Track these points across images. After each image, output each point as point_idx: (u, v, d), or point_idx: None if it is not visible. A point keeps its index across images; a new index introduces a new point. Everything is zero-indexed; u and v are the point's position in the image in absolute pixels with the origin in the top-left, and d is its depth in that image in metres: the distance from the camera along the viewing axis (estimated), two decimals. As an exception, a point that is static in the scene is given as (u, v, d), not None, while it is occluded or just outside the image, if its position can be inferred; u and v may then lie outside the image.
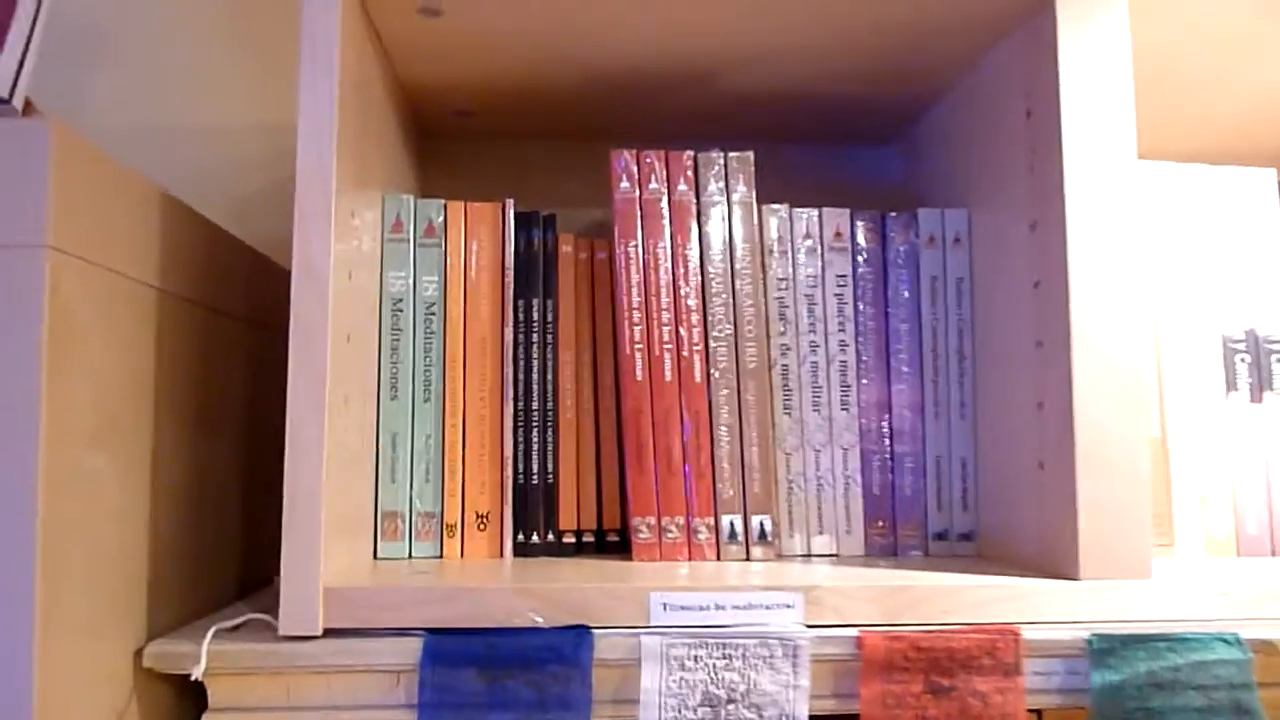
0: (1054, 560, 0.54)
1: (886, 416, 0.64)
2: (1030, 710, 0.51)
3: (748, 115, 0.73)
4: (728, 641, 0.49)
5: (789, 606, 0.50)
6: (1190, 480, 0.63)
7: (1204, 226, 0.65)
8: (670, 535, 0.59)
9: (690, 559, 0.59)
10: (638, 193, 0.61)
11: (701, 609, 0.49)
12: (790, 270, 0.64)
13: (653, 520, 0.59)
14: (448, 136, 0.79)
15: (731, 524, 0.60)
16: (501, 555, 0.61)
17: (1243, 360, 0.64)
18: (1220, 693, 0.50)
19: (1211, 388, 0.63)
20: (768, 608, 0.50)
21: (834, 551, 0.63)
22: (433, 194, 0.77)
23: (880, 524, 0.63)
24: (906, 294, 0.64)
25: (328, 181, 0.50)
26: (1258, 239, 0.65)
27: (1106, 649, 0.50)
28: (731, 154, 0.62)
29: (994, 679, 0.50)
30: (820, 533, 0.63)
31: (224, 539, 0.62)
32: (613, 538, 0.63)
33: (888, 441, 0.64)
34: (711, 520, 0.60)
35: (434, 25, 0.59)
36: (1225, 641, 0.51)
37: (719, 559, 0.60)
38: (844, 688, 0.50)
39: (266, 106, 0.81)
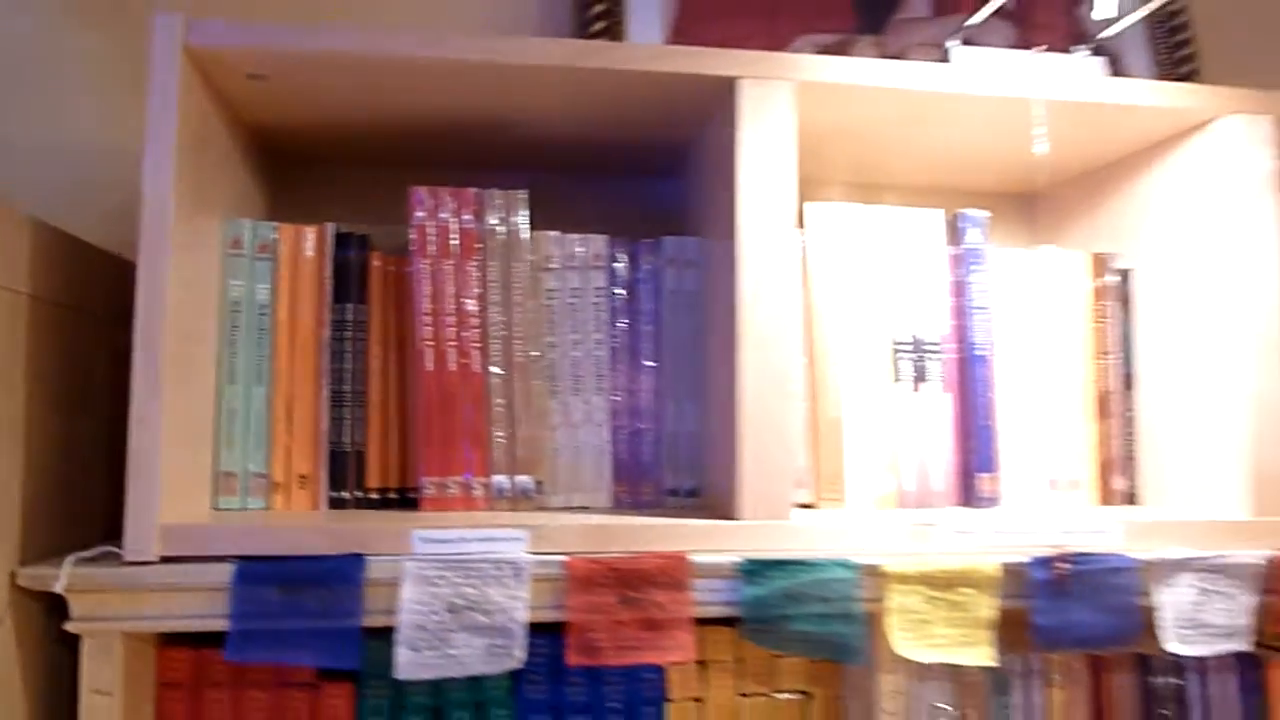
0: (724, 506, 0.72)
1: (633, 400, 0.81)
2: (703, 618, 0.69)
3: (537, 153, 0.90)
4: (468, 565, 0.66)
5: (518, 540, 0.67)
6: (860, 450, 0.81)
7: (885, 254, 0.84)
8: (450, 491, 0.76)
9: (467, 510, 0.76)
10: (431, 220, 0.77)
11: (450, 542, 0.66)
12: (559, 284, 0.81)
13: (438, 480, 0.76)
14: (299, 165, 0.94)
15: (501, 483, 0.77)
16: (318, 508, 0.77)
17: (906, 359, 0.82)
18: (836, 602, 0.68)
19: (881, 379, 0.82)
20: (501, 541, 0.67)
21: (587, 505, 0.80)
22: (287, 212, 0.92)
23: (625, 484, 0.81)
24: (651, 304, 0.82)
25: (166, 211, 0.65)
26: (925, 264, 0.84)
27: (753, 570, 0.68)
28: (509, 191, 0.78)
29: (670, 592, 0.67)
30: (577, 490, 0.80)
31: (91, 497, 0.77)
32: (412, 495, 0.79)
33: (634, 419, 0.81)
34: (485, 479, 0.76)
35: (263, 85, 0.74)
36: (841, 565, 0.69)
37: (490, 510, 0.76)
38: (559, 600, 0.67)
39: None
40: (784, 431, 0.70)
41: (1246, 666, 0.95)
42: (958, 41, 0.78)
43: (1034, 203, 1.05)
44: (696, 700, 0.77)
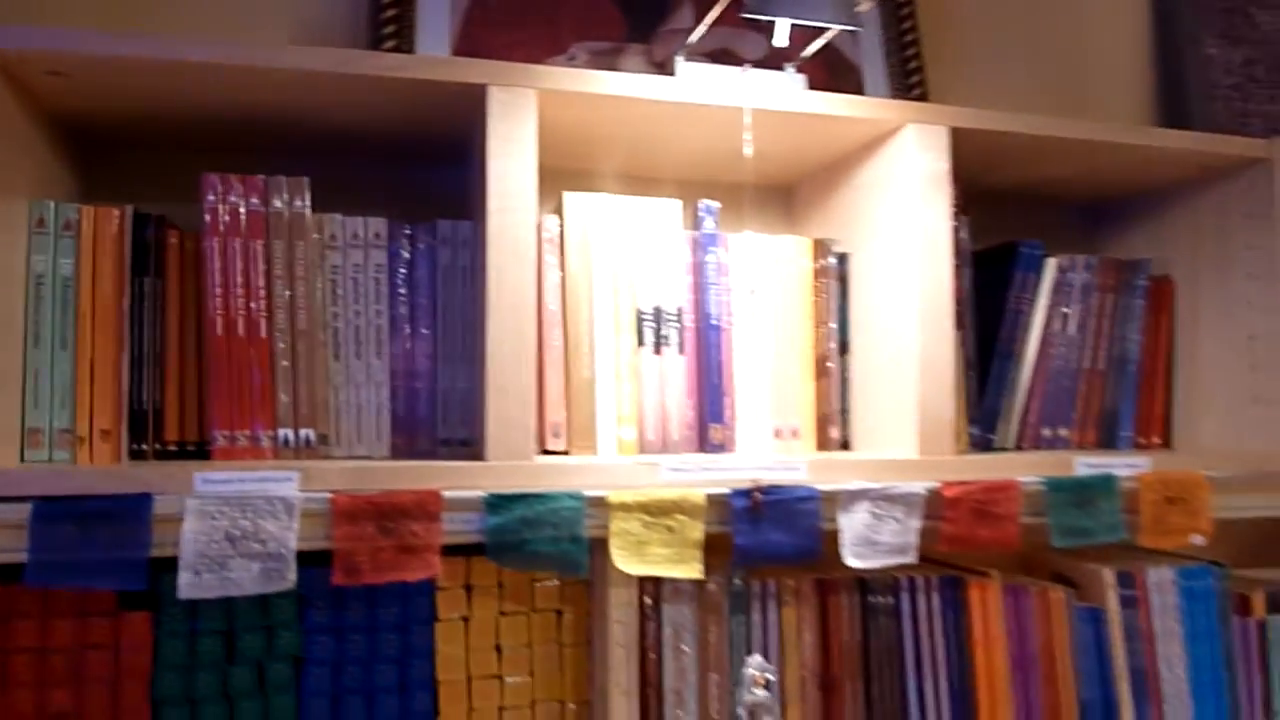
0: (479, 449, 0.85)
1: (410, 363, 0.93)
2: (454, 546, 0.81)
3: (329, 143, 1.00)
4: (244, 502, 0.77)
5: (289, 480, 0.78)
6: (609, 405, 0.95)
7: (633, 237, 0.97)
8: (240, 443, 0.87)
9: (255, 460, 0.87)
10: (222, 203, 0.87)
11: (228, 483, 0.77)
12: (342, 260, 0.92)
13: (227, 433, 0.86)
14: (105, 150, 1.02)
15: (286, 435, 0.88)
16: (120, 460, 0.86)
17: (649, 327, 0.96)
18: (565, 527, 0.82)
19: (628, 344, 0.96)
20: (274, 481, 0.78)
21: (369, 455, 0.92)
22: (98, 193, 1.00)
23: (403, 436, 0.93)
24: (427, 279, 0.93)
25: (-35, 196, 0.74)
26: (665, 246, 0.98)
27: (495, 503, 0.81)
28: (294, 178, 0.89)
29: (423, 523, 0.80)
30: (359, 442, 0.92)
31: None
32: (206, 447, 0.90)
33: (410, 380, 0.93)
34: (272, 432, 0.87)
35: (63, 81, 0.83)
36: (571, 496, 0.82)
37: (276, 458, 0.87)
38: (328, 531, 0.79)
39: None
40: (524, 387, 0.83)
41: (949, 586, 1.13)
42: (683, 56, 0.91)
43: (791, 195, 1.21)
44: (464, 619, 0.90)
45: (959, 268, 1.05)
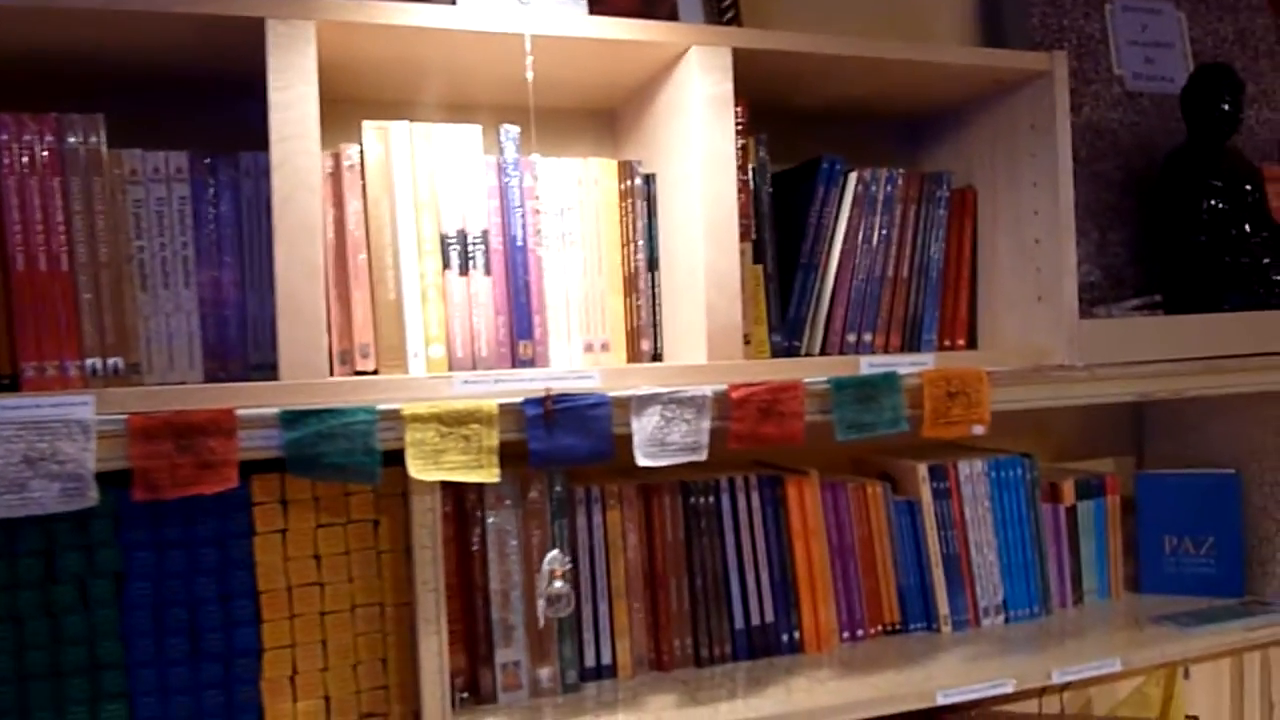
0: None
1: (218, 292, 0.97)
2: (269, 463, 0.86)
3: (133, 79, 1.02)
4: (40, 425, 0.81)
5: (86, 404, 0.82)
6: (416, 326, 1.00)
7: (436, 163, 1.01)
8: (49, 374, 0.90)
9: (65, 389, 0.90)
10: (15, 142, 0.89)
11: (23, 408, 0.81)
12: (145, 194, 0.95)
13: (36, 364, 0.90)
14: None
15: (94, 364, 0.91)
16: (-69, 393, 0.89)
17: (454, 249, 1.01)
18: (359, 439, 0.87)
19: (433, 267, 1.00)
20: (70, 405, 0.82)
21: (183, 381, 0.96)
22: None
23: (215, 362, 0.97)
24: (231, 210, 0.97)
25: None
26: (468, 171, 1.02)
27: (290, 419, 0.86)
28: (89, 115, 0.91)
29: (219, 439, 0.84)
30: (172, 370, 0.96)
31: None
32: (17, 378, 0.93)
33: (219, 308, 0.97)
34: (79, 362, 0.91)
35: None
36: (365, 410, 0.88)
37: (87, 387, 0.91)
38: (127, 451, 0.83)
39: None
40: (315, 309, 0.88)
41: (769, 485, 1.21)
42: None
43: (614, 119, 1.25)
44: (281, 531, 0.96)
45: (755, 185, 1.11)
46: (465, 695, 1.06)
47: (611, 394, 0.95)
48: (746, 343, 1.06)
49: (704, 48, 0.99)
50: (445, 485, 0.94)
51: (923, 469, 1.27)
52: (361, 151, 0.99)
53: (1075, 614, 1.35)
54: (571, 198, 1.07)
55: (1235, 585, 1.39)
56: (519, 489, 1.08)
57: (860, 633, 1.26)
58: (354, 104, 1.10)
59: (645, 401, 0.96)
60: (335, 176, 0.98)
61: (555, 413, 0.93)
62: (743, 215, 1.05)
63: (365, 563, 0.98)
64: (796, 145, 1.24)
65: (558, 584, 0.95)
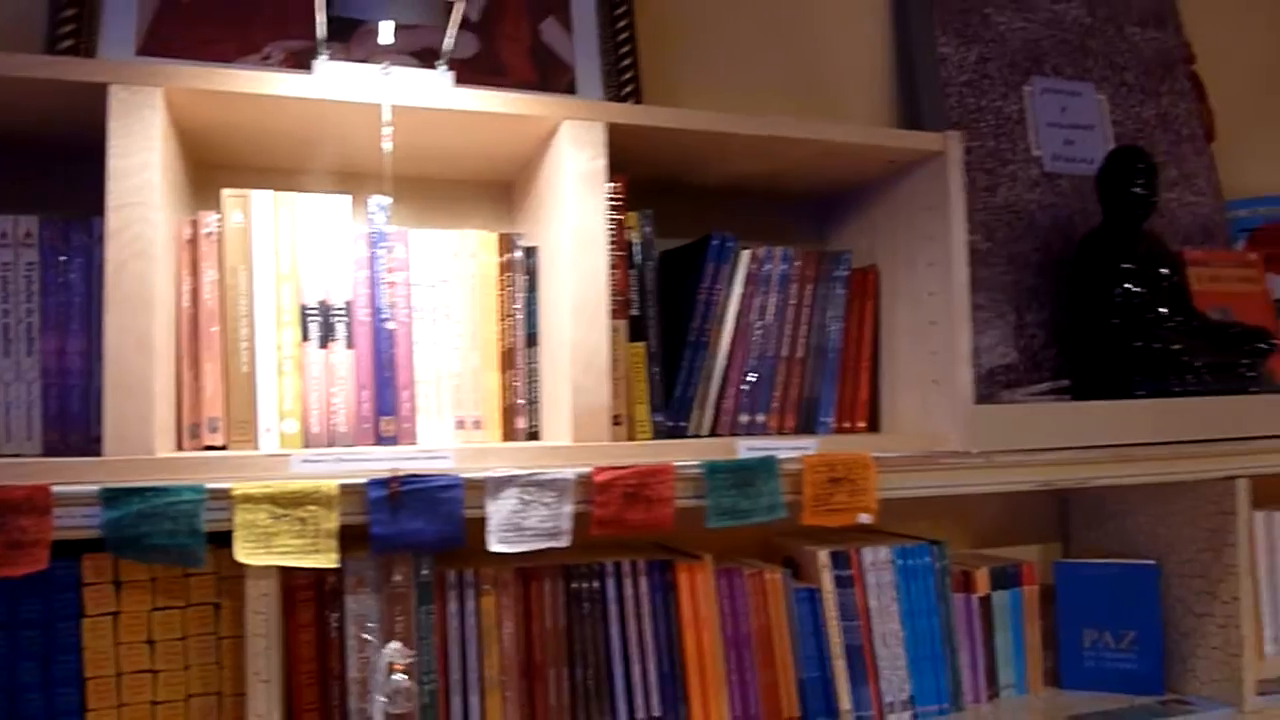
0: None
1: (63, 361, 0.93)
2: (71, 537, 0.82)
3: None
4: None
5: (-113, 478, 0.78)
6: (269, 400, 0.96)
7: (302, 230, 0.98)
8: None
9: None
10: None
11: None
12: (-11, 259, 0.92)
13: None
14: None
15: (-81, 434, 0.87)
16: None
17: (315, 321, 0.98)
18: (184, 520, 0.83)
19: (291, 339, 0.97)
20: None
21: (19, 453, 0.92)
22: None
23: (56, 433, 0.93)
24: (80, 277, 0.94)
25: None
26: (333, 241, 0.99)
27: (110, 497, 0.82)
28: (-69, 177, 0.89)
29: (32, 518, 0.80)
30: (9, 440, 0.92)
31: None
32: None
33: (63, 378, 0.93)
34: (-97, 432, 0.87)
35: None
36: (191, 489, 0.83)
37: (-91, 458, 0.87)
38: (-70, 529, 0.79)
39: None
40: (145, 383, 0.84)
41: (658, 569, 1.16)
42: (326, 56, 0.93)
43: (510, 191, 1.23)
44: (113, 614, 0.91)
45: (640, 262, 1.09)
46: (317, 792, 1.00)
47: (466, 475, 0.90)
48: (618, 423, 1.03)
49: (576, 123, 0.97)
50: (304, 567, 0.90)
51: (824, 555, 1.22)
52: (221, 220, 0.96)
53: (989, 710, 1.29)
54: (447, 270, 1.04)
55: (1156, 682, 1.33)
56: (381, 573, 1.03)
57: (756, 728, 1.20)
58: (230, 169, 1.08)
59: (501, 484, 0.92)
60: (193, 244, 0.96)
61: (402, 494, 0.88)
62: (618, 292, 1.03)
63: (203, 649, 0.92)
64: (703, 221, 1.22)
65: (397, 677, 0.90)
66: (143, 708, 0.90)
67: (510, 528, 0.92)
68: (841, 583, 1.24)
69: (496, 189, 1.22)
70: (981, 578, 1.33)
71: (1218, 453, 1.24)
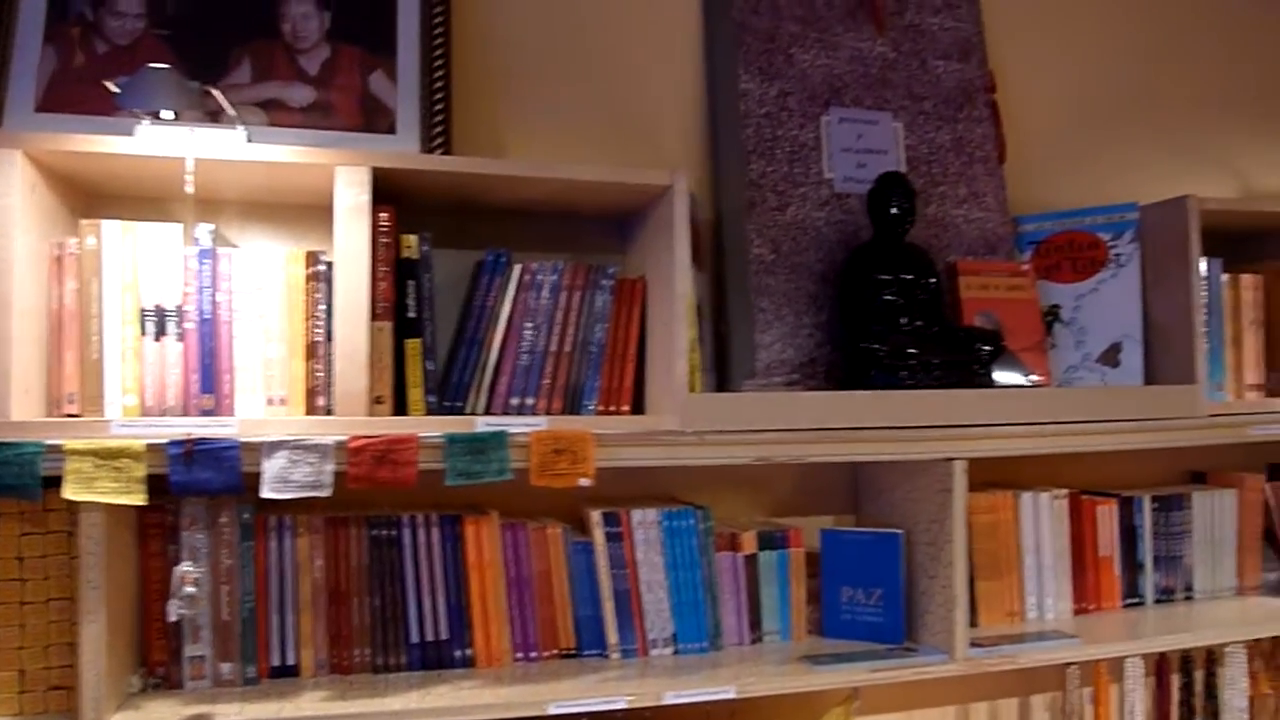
0: (-23, 412, 1.17)
1: (-38, 348, 1.25)
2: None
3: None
4: None
5: None
6: (115, 380, 1.26)
7: (143, 251, 1.29)
8: None
9: None
10: None
11: None
12: (-91, 272, 1.24)
13: None
14: None
15: None
16: None
17: (151, 320, 1.28)
18: (26, 467, 1.14)
19: (133, 334, 1.27)
20: None
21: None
22: None
23: (-43, 402, 1.25)
24: (-23, 285, 1.25)
25: None
26: (169, 257, 1.29)
27: (-28, 448, 1.13)
28: None
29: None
30: (-79, 407, 1.24)
31: None
32: None
33: (-37, 361, 1.25)
34: None
35: None
36: (33, 445, 1.14)
37: None
38: None
39: None
40: (4, 365, 1.15)
41: (449, 523, 1.44)
42: (147, 122, 1.22)
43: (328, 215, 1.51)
44: (-9, 537, 1.23)
45: (417, 274, 1.36)
46: (158, 681, 1.31)
47: (245, 440, 1.20)
48: (380, 402, 1.30)
49: (345, 167, 1.25)
50: (152, 509, 1.21)
51: (596, 514, 1.49)
52: (79, 242, 1.27)
53: (747, 650, 1.54)
54: (263, 279, 1.33)
55: (897, 632, 1.56)
56: (210, 515, 1.33)
57: (534, 654, 1.47)
58: (100, 198, 1.39)
59: (274, 446, 1.21)
60: (59, 261, 1.27)
61: (194, 452, 1.18)
62: (384, 299, 1.30)
63: (59, 564, 1.24)
64: (518, 236, 1.51)
65: (188, 588, 1.20)
66: (14, 606, 1.22)
67: (279, 480, 1.21)
68: (612, 538, 1.50)
69: (310, 213, 1.49)
70: (748, 540, 1.58)
71: (935, 437, 1.46)
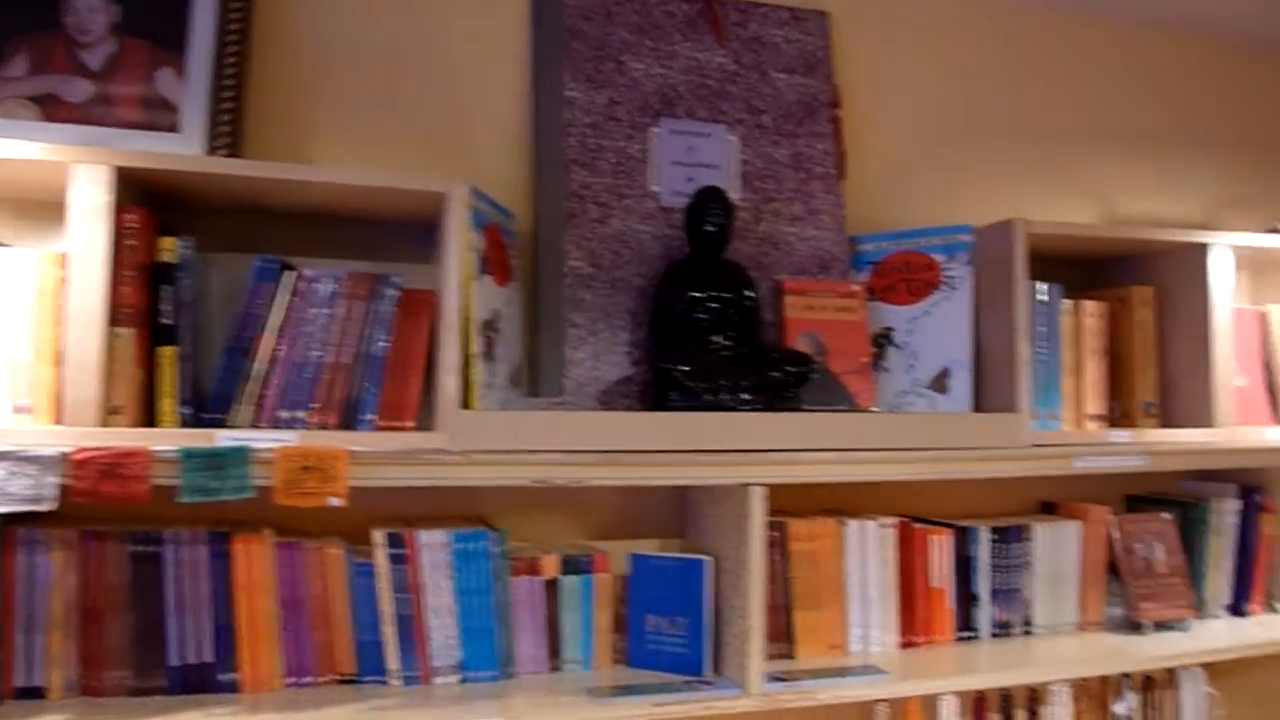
0: None
1: None
2: None
3: None
4: None
5: None
6: None
7: (-121, 249, 1.22)
8: None
9: None
10: None
11: None
12: None
13: None
14: None
15: None
16: None
17: None
18: None
19: None
20: None
21: None
22: None
23: None
24: None
25: None
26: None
27: None
28: None
29: None
30: None
31: None
32: None
33: None
34: None
35: None
36: None
37: None
38: None
39: None
40: None
41: (217, 540, 1.37)
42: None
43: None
44: None
45: (174, 278, 1.30)
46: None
47: (-39, 450, 1.13)
48: (116, 413, 1.24)
49: (84, 166, 1.19)
50: None
51: (379, 535, 1.42)
52: None
53: (541, 680, 1.47)
54: (15, 282, 1.27)
55: (697, 664, 1.50)
56: (-50, 526, 1.26)
57: (309, 679, 1.40)
58: None
59: (-8, 458, 1.14)
60: None
61: (-98, 462, 1.11)
62: (128, 305, 1.24)
63: None
64: (314, 244, 1.45)
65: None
66: None
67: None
68: (396, 560, 1.43)
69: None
70: (550, 564, 1.51)
71: (728, 462, 1.40)
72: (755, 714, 1.55)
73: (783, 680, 1.46)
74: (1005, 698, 1.64)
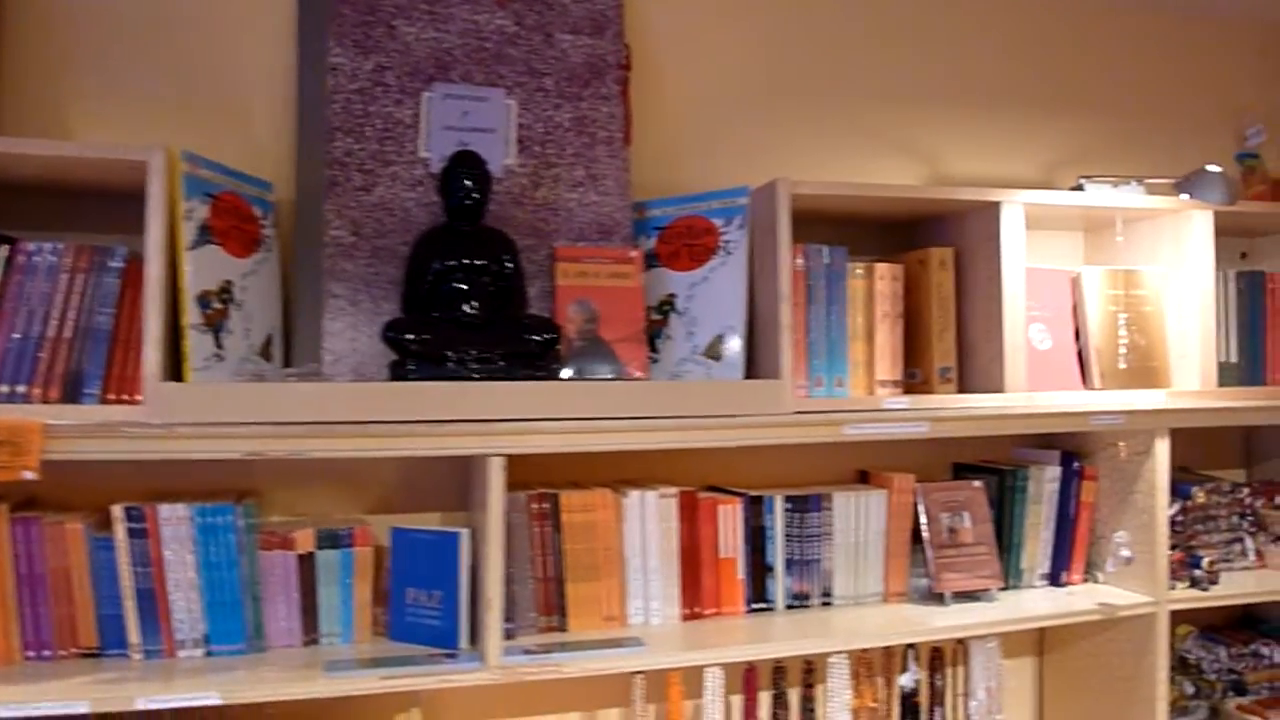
0: None
1: None
2: None
3: None
4: None
5: None
6: None
7: None
8: None
9: None
10: None
11: None
12: None
13: None
14: None
15: None
16: None
17: None
18: None
19: None
20: None
21: None
22: None
23: None
24: None
25: None
26: None
27: None
28: None
29: None
30: None
31: None
32: None
33: None
34: None
35: None
36: None
37: None
38: None
39: None
40: None
41: None
42: None
43: None
44: None
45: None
46: None
47: None
48: None
49: None
50: None
51: (118, 509, 1.41)
52: None
53: (293, 653, 1.46)
54: None
55: (451, 637, 1.48)
56: None
57: (48, 653, 1.40)
58: None
59: None
60: None
61: None
62: None
63: None
64: (52, 218, 1.45)
65: None
66: None
67: None
68: (136, 534, 1.42)
69: None
70: (303, 538, 1.50)
71: (462, 433, 1.37)
72: (511, 687, 1.53)
73: (530, 654, 1.44)
74: (777, 670, 1.61)
